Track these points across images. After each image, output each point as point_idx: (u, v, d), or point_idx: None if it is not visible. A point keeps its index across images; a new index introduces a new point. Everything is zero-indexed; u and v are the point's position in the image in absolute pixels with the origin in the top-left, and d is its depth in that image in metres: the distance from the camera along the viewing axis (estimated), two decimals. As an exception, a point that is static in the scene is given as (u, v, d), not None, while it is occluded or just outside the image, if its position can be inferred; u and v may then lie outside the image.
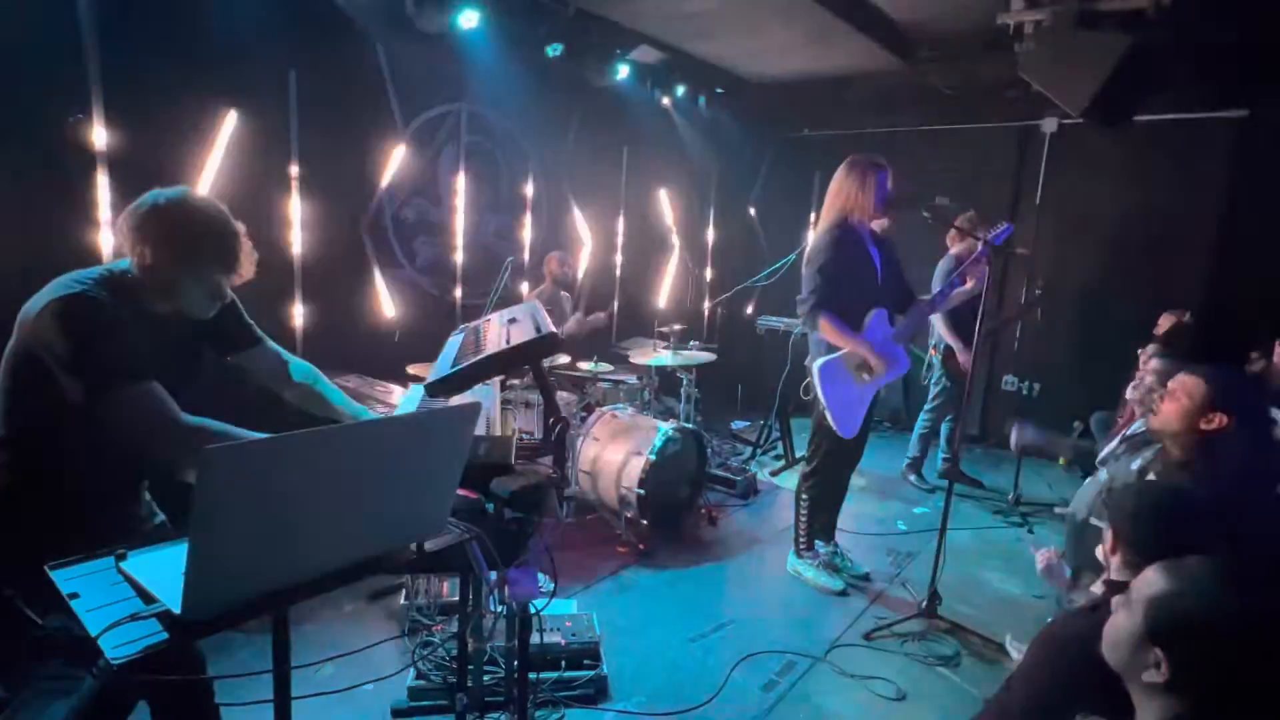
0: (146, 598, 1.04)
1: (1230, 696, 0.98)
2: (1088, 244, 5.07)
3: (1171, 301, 4.20)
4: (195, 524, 0.92)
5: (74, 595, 1.06)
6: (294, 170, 3.50)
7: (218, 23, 2.99)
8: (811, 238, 3.04)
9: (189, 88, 3.01)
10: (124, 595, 1.07)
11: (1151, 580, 1.09)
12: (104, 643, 0.94)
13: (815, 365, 2.94)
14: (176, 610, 0.97)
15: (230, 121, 3.20)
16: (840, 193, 2.94)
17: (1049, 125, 5.18)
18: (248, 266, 1.56)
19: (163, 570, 1.09)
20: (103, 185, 2.82)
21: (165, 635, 0.98)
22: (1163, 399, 2.02)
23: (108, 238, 2.81)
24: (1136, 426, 2.69)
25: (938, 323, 4.27)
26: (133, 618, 0.99)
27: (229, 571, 0.98)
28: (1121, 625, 1.09)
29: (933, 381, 4.52)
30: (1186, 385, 1.96)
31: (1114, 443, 2.77)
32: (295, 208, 3.53)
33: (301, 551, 1.06)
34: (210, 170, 3.16)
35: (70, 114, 2.72)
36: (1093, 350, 4.85)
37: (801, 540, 3.29)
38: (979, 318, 2.88)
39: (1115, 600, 1.15)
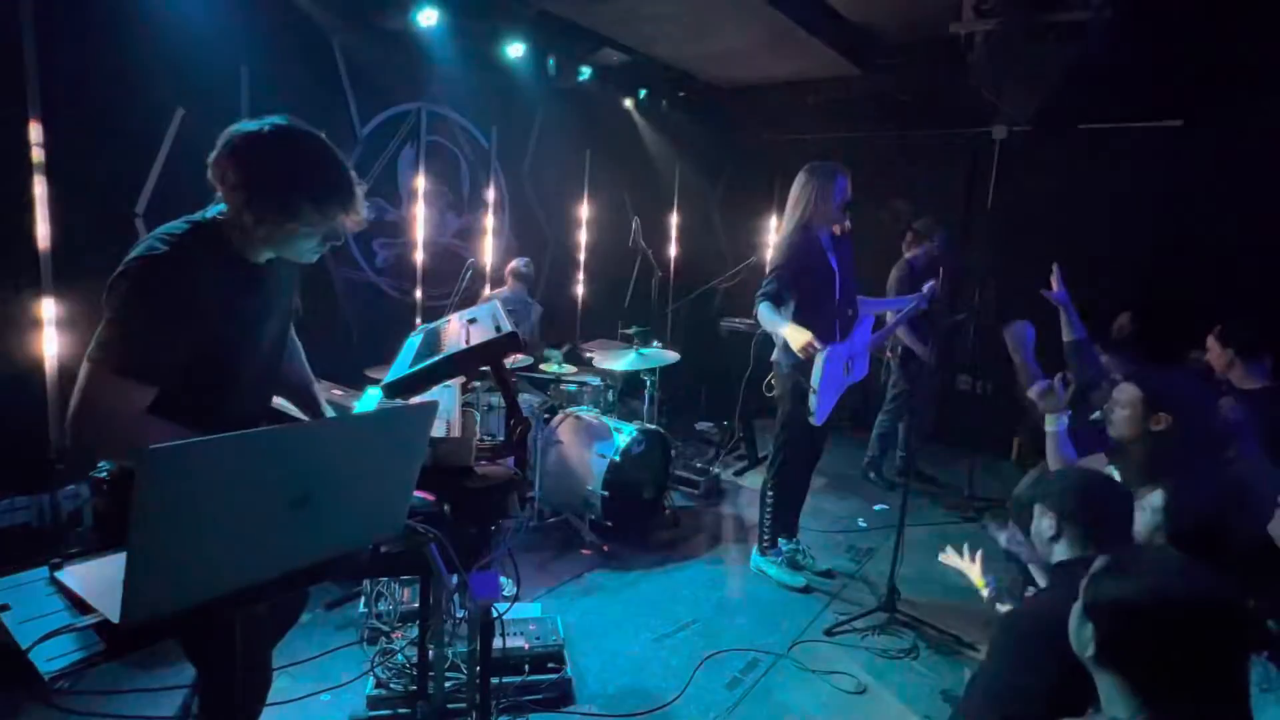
0: (82, 608, 1.00)
1: (1160, 674, 1.01)
2: (1037, 247, 5.23)
3: (1114, 302, 4.37)
4: (135, 527, 0.88)
5: (4, 607, 1.01)
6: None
7: (164, 15, 2.89)
8: (774, 242, 3.09)
9: (133, 84, 2.89)
10: (59, 606, 1.02)
11: (1097, 561, 1.15)
12: (35, 656, 0.90)
13: (826, 348, 2.94)
14: (114, 619, 0.93)
15: (178, 120, 3.09)
16: (801, 199, 3.01)
17: (999, 132, 5.34)
18: (361, 209, 1.41)
19: (100, 579, 1.04)
20: (40, 187, 2.69)
21: (102, 646, 0.94)
22: (1115, 408, 2.11)
23: (45, 241, 2.69)
24: (1094, 416, 2.81)
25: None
26: (67, 629, 0.95)
27: (171, 578, 0.94)
28: (1075, 608, 1.14)
29: (890, 384, 4.62)
30: (1126, 393, 2.06)
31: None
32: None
33: (249, 556, 1.03)
34: (156, 171, 3.05)
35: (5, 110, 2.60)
36: (1042, 349, 5.01)
37: (765, 538, 3.33)
38: (934, 318, 2.96)
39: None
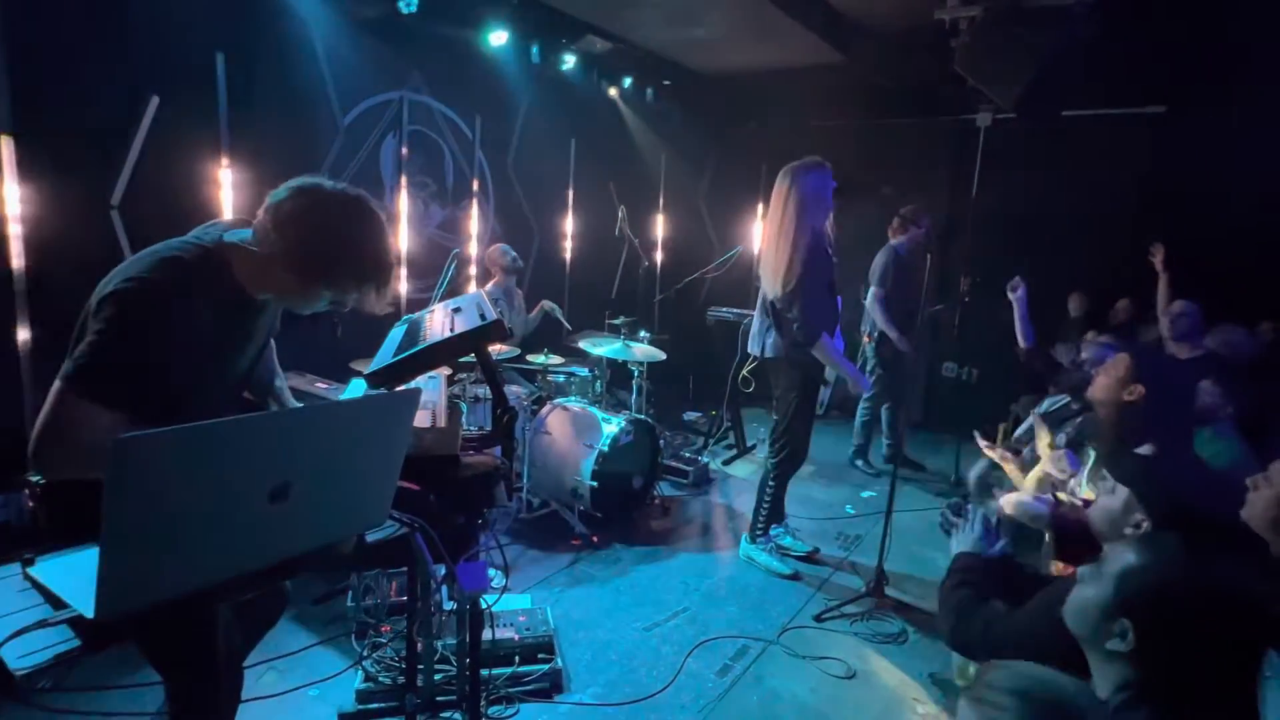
0: (56, 603, 0.97)
1: (1188, 666, 1.02)
2: (1021, 234, 5.27)
3: (1096, 289, 4.41)
4: (108, 519, 0.85)
5: (-27, 605, 0.98)
6: (225, 160, 3.33)
7: None
8: (788, 257, 2.91)
9: (106, 71, 2.82)
10: (32, 602, 1.00)
11: (1123, 554, 1.13)
12: (6, 653, 0.87)
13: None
14: (89, 615, 0.91)
15: (152, 108, 3.02)
16: (802, 205, 2.90)
17: (984, 119, 5.37)
18: (388, 300, 1.42)
19: (74, 574, 1.02)
20: (11, 177, 2.62)
21: (77, 642, 0.91)
22: (1100, 373, 2.14)
23: (18, 234, 2.62)
24: (1047, 404, 2.86)
25: (874, 311, 4.38)
26: (40, 624, 0.92)
27: (146, 571, 0.92)
28: (1089, 596, 1.13)
29: (868, 370, 4.63)
30: (1117, 360, 2.09)
31: (1025, 424, 2.93)
32: (226, 198, 3.37)
33: (228, 549, 1.01)
34: (131, 161, 2.98)
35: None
36: (1027, 336, 5.07)
37: (759, 526, 3.34)
38: (920, 305, 2.98)
39: (1081, 571, 1.18)
